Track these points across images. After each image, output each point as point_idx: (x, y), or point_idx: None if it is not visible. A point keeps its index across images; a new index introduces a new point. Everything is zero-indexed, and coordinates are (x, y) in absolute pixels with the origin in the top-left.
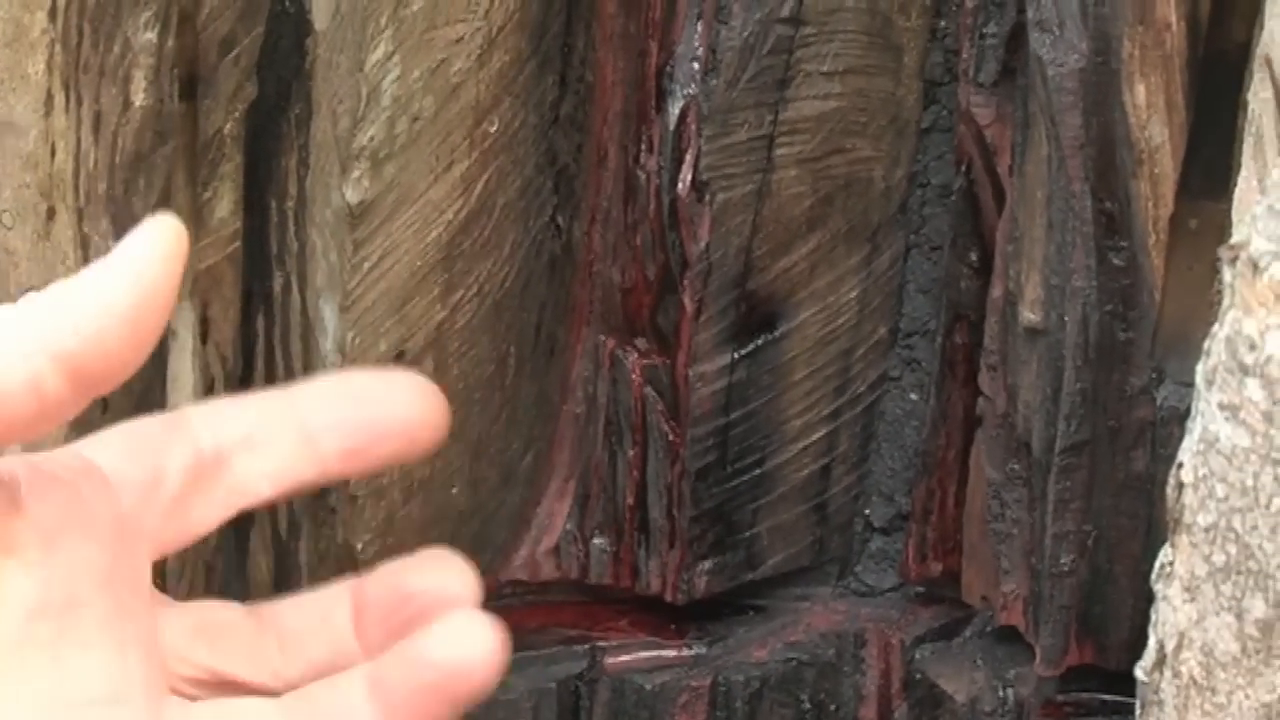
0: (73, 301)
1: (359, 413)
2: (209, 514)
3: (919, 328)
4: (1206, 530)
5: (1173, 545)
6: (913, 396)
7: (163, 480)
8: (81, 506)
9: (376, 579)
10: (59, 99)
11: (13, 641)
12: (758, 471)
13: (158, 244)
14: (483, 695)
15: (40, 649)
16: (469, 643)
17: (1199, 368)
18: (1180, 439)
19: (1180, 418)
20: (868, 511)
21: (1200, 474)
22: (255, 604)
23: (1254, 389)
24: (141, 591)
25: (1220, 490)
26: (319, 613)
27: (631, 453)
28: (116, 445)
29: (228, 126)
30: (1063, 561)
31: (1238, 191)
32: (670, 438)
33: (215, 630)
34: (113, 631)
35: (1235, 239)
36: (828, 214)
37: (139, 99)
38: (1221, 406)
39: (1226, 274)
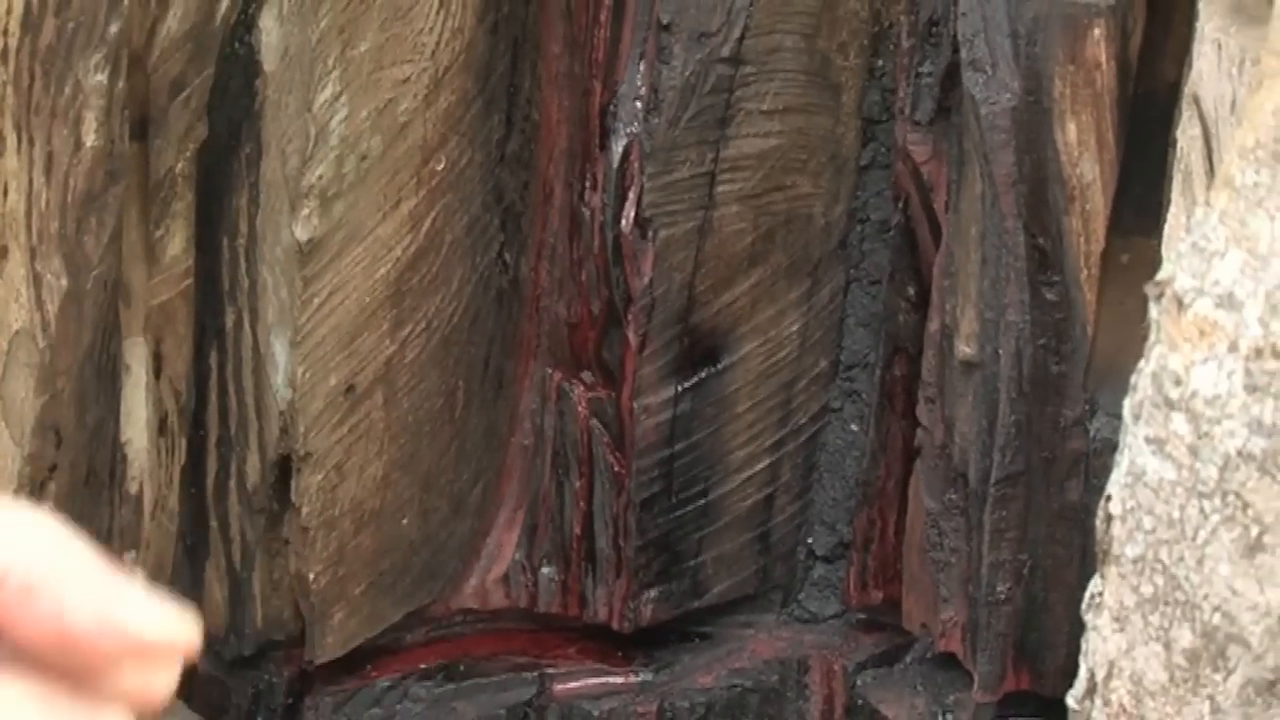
0: None
1: None
2: None
3: (859, 360)
4: (1135, 562)
5: (1102, 576)
6: (853, 428)
7: None
8: None
9: None
10: (11, 140)
11: None
12: (702, 502)
13: None
14: None
15: None
16: None
17: (1126, 402)
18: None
19: (1113, 449)
20: (810, 540)
21: (1128, 506)
22: None
23: (1180, 423)
24: None
25: (1148, 523)
26: None
27: (578, 484)
28: None
29: (179, 166)
30: (999, 590)
31: (1167, 227)
32: (616, 469)
33: None
34: None
35: (1161, 275)
36: (769, 250)
37: (90, 140)
38: (1148, 440)
39: (1153, 310)
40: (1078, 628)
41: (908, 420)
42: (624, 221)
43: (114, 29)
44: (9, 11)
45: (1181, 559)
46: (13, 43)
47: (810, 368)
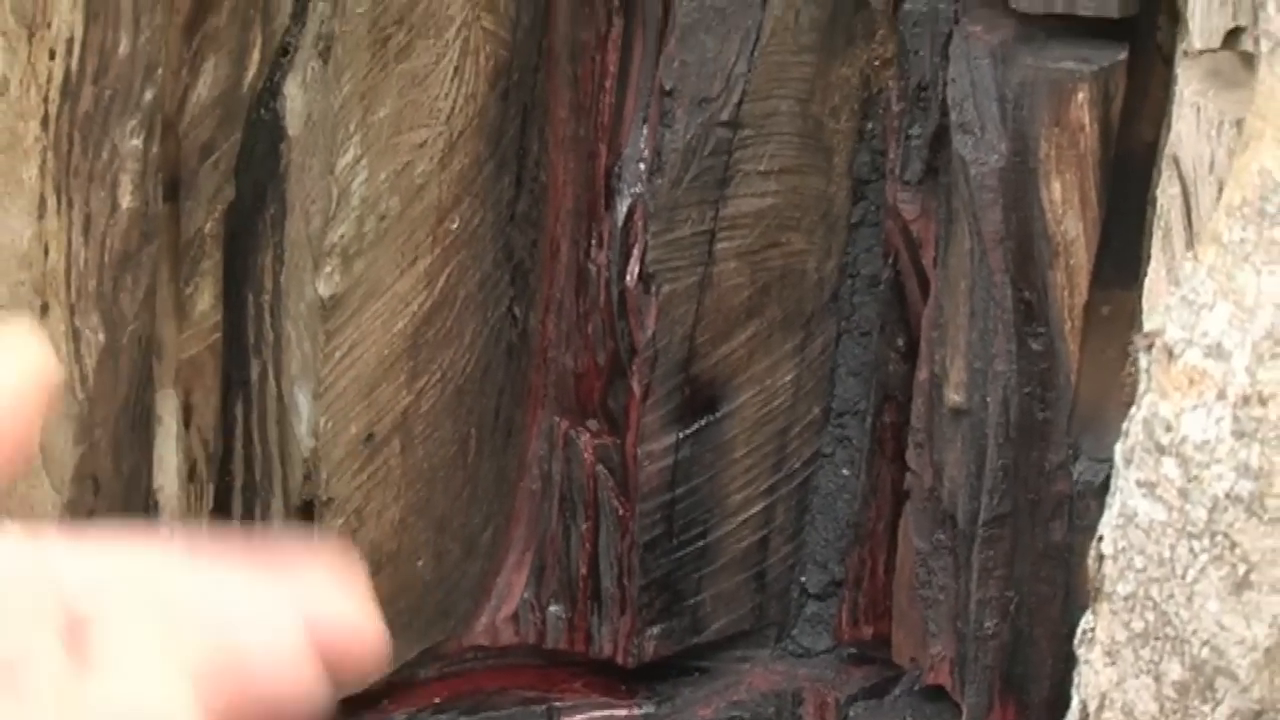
0: None
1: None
2: None
3: (850, 408)
4: (1126, 599)
5: (1094, 612)
6: (845, 472)
7: None
8: None
9: None
10: (51, 202)
11: None
12: (701, 543)
13: (20, 366)
14: None
15: None
16: None
17: (1118, 447)
18: (1095, 512)
19: (1095, 491)
20: (803, 579)
21: (1120, 546)
22: None
23: (1170, 467)
24: None
25: (1139, 562)
26: None
27: (584, 526)
28: None
29: (208, 226)
30: (987, 625)
31: (1148, 281)
32: (620, 512)
33: None
34: None
35: (1150, 327)
36: (765, 303)
37: (126, 202)
38: (1140, 484)
39: (1143, 360)
40: (1061, 661)
41: (897, 465)
42: (628, 277)
43: (149, 96)
44: (49, 80)
45: (1172, 596)
46: (53, 110)
47: (804, 415)
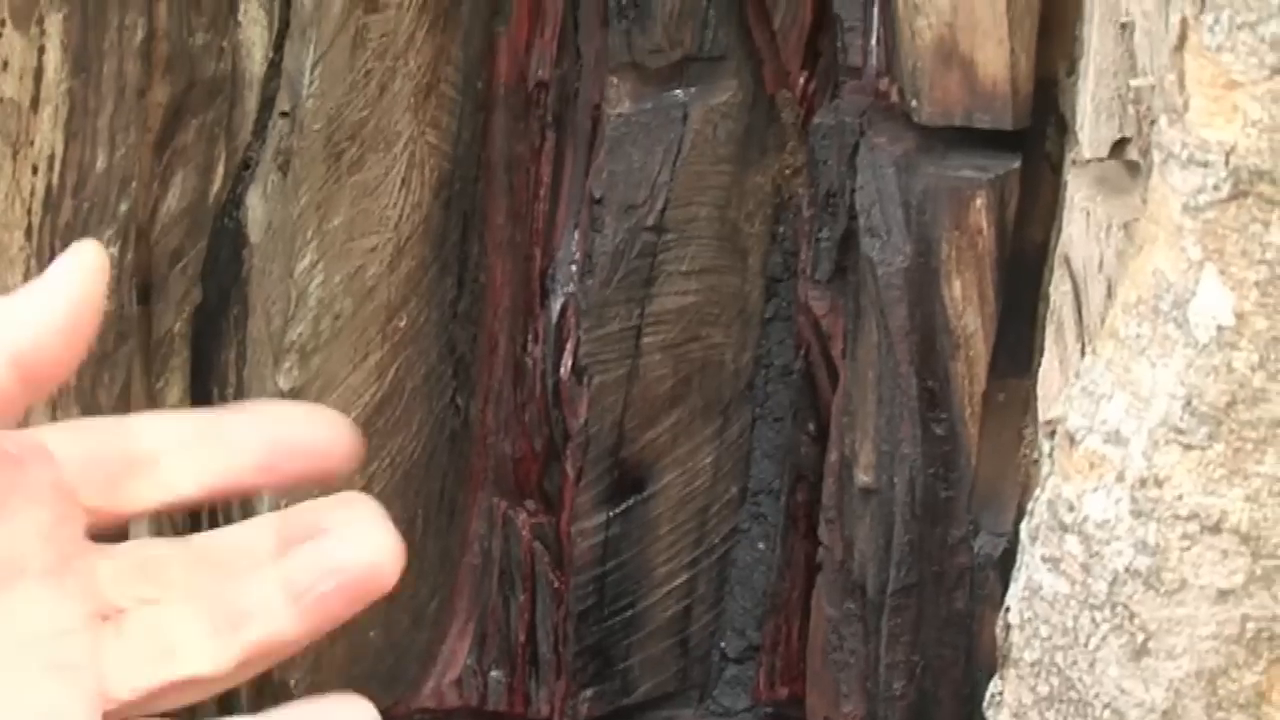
0: (19, 314)
1: (277, 433)
2: (139, 498)
3: (765, 487)
4: (1032, 665)
5: (1001, 678)
6: (761, 546)
7: (101, 463)
8: (25, 476)
9: (296, 514)
10: None
11: None
12: (630, 612)
13: (84, 263)
14: (384, 592)
15: None
16: (372, 546)
17: (1023, 526)
18: (995, 582)
19: (994, 563)
20: (724, 644)
21: (1026, 617)
22: (187, 537)
23: (1073, 544)
24: (79, 545)
25: (1044, 631)
26: (246, 543)
27: (522, 598)
28: (64, 432)
29: (177, 326)
30: (895, 687)
31: (1042, 371)
32: (556, 585)
33: (154, 564)
34: (54, 578)
35: (1052, 415)
36: (687, 392)
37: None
38: (1044, 559)
39: (1045, 445)
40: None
41: (809, 540)
42: (562, 370)
43: (123, 208)
44: (32, 194)
45: (1075, 663)
46: (35, 221)
47: (723, 494)
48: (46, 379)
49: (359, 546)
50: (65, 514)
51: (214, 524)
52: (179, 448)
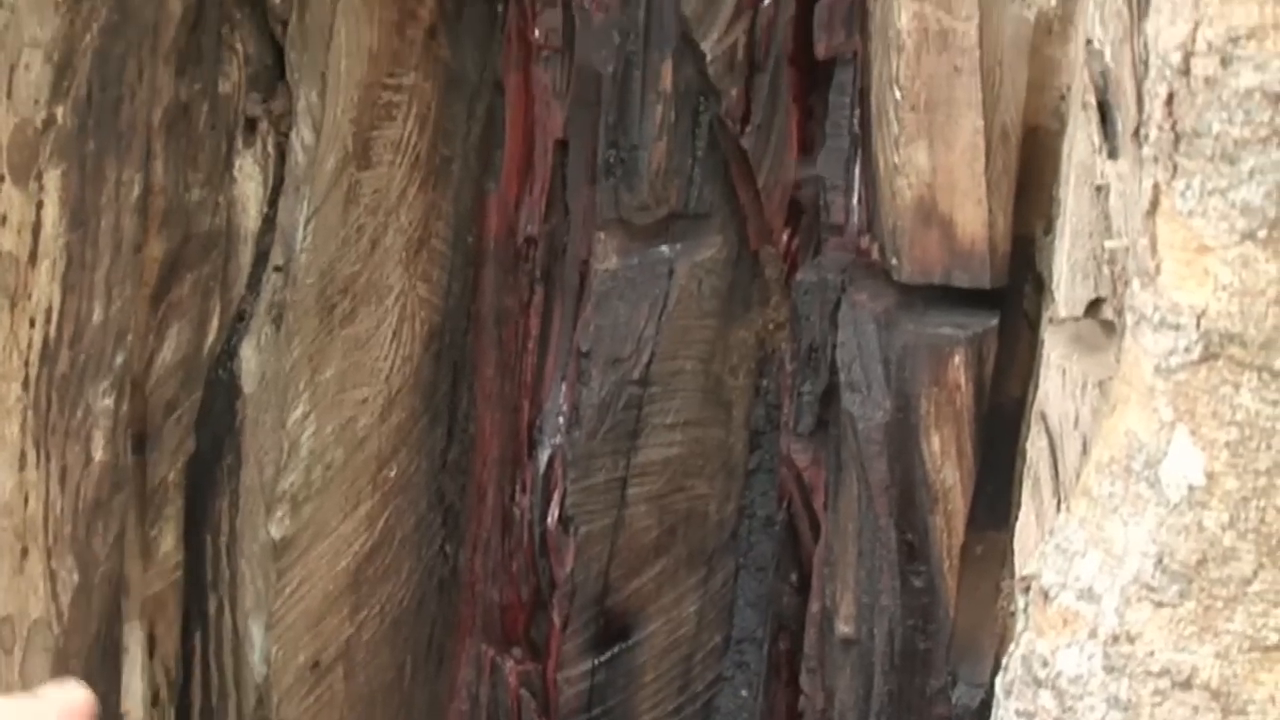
0: None
1: None
2: None
3: (748, 636)
4: None
5: None
6: (743, 694)
7: None
8: None
9: None
10: (31, 456)
11: None
12: None
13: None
14: None
15: None
16: None
17: (998, 680)
18: None
19: (972, 714)
20: None
21: None
22: None
23: (1046, 699)
24: None
25: None
26: None
27: None
28: None
29: (171, 475)
30: None
31: (1019, 525)
32: None
33: None
34: None
35: (1027, 571)
36: (671, 542)
37: (98, 455)
38: (1018, 713)
39: (1020, 601)
40: None
41: (791, 688)
42: (549, 519)
43: (119, 360)
44: (29, 346)
45: None
46: (33, 372)
47: (706, 642)
48: None
49: None
50: None
51: (205, 681)
52: None
